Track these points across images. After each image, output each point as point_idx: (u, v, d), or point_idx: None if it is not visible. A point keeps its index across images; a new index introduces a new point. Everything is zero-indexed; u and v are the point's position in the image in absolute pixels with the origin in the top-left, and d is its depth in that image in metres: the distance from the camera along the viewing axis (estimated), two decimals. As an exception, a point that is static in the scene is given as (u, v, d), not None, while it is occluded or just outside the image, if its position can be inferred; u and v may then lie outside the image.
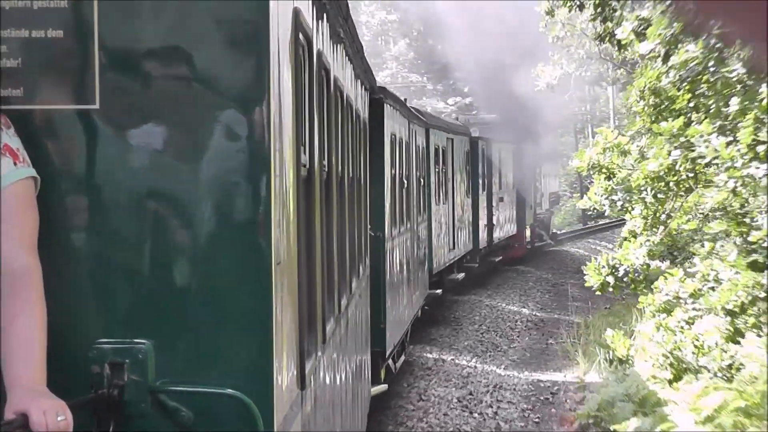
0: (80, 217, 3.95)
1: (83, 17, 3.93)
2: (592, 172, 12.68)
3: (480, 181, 28.67)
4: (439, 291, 21.72)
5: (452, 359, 20.05)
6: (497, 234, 31.28)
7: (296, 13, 4.93)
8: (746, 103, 10.35)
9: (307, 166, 5.63)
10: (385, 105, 14.24)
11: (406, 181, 16.65)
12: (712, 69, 11.10)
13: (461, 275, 25.64)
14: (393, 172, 15.14)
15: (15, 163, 3.68)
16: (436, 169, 21.62)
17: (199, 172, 3.94)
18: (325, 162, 6.76)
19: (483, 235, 29.06)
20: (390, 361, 15.18)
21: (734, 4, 1.55)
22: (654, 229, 12.44)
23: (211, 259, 3.94)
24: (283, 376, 4.28)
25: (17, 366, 3.45)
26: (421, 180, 19.35)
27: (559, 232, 47.64)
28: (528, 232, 37.58)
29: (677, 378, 12.09)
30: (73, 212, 3.94)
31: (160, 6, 3.97)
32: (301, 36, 5.09)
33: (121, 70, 3.96)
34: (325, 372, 6.42)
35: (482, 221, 28.90)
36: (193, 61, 3.97)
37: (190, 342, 3.92)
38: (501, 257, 33.07)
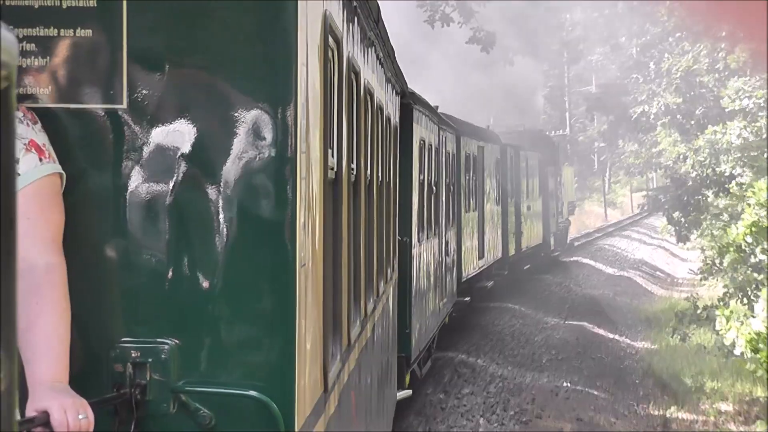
0: (106, 216, 3.95)
1: (112, 17, 3.94)
2: None
3: (509, 189, 28.60)
4: (467, 298, 21.67)
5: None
6: (525, 242, 31.15)
7: (326, 16, 4.93)
8: None
9: (335, 168, 5.62)
10: (414, 110, 14.22)
11: (435, 187, 16.63)
12: None
13: (490, 283, 25.56)
14: (422, 177, 15.12)
15: (40, 159, 3.68)
16: (467, 177, 21.57)
17: (225, 173, 3.94)
18: (354, 165, 6.75)
19: (512, 243, 28.97)
20: (416, 367, 15.15)
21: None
22: None
23: (235, 260, 3.93)
24: (306, 378, 4.27)
25: (40, 363, 3.45)
26: (451, 187, 19.31)
27: (576, 237, 47.15)
28: (552, 241, 37.42)
29: None
30: (98, 211, 3.94)
31: (189, 7, 3.97)
32: (330, 38, 5.08)
33: (149, 70, 3.97)
34: (350, 375, 6.41)
35: (511, 229, 28.80)
36: (221, 63, 3.97)
37: (213, 342, 3.92)
38: (529, 265, 32.94)
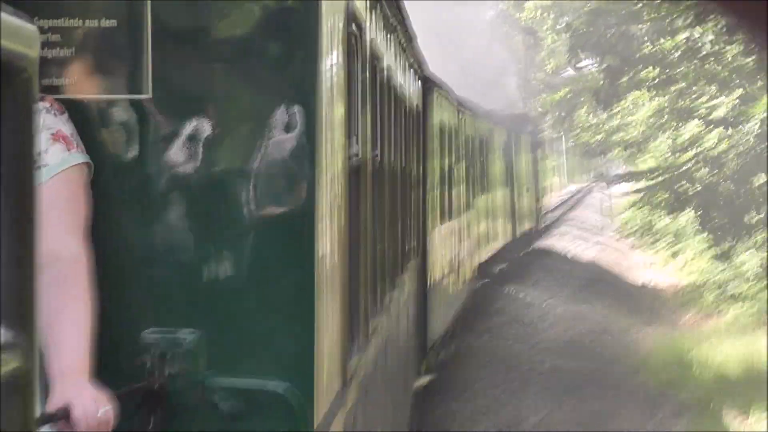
0: (129, 206, 3.95)
1: (136, 7, 3.94)
2: None
3: (513, 172, 28.69)
4: (486, 280, 21.78)
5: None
6: (526, 225, 31.25)
7: (348, 2, 4.91)
8: None
9: (359, 155, 5.61)
10: (434, 94, 14.18)
11: (454, 171, 16.62)
12: None
13: (504, 265, 25.65)
14: (441, 161, 15.10)
15: (68, 149, 3.67)
16: (480, 159, 21.62)
17: (248, 162, 3.93)
18: (377, 152, 6.73)
19: (516, 226, 29.06)
20: (437, 352, 15.16)
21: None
22: None
23: (259, 250, 3.93)
24: (326, 369, 4.27)
25: (64, 356, 3.44)
26: (470, 169, 19.32)
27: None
28: (539, 225, 37.32)
29: None
30: (122, 201, 3.95)
31: None
32: (353, 25, 5.06)
33: (174, 60, 3.96)
34: (370, 365, 6.40)
35: (516, 212, 28.89)
36: (245, 51, 3.97)
37: (236, 334, 3.92)
38: (529, 248, 33.03)
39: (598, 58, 25.37)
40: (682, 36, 21.11)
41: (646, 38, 23.25)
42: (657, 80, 23.20)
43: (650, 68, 22.93)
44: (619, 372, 17.90)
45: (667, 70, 22.69)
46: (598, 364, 18.38)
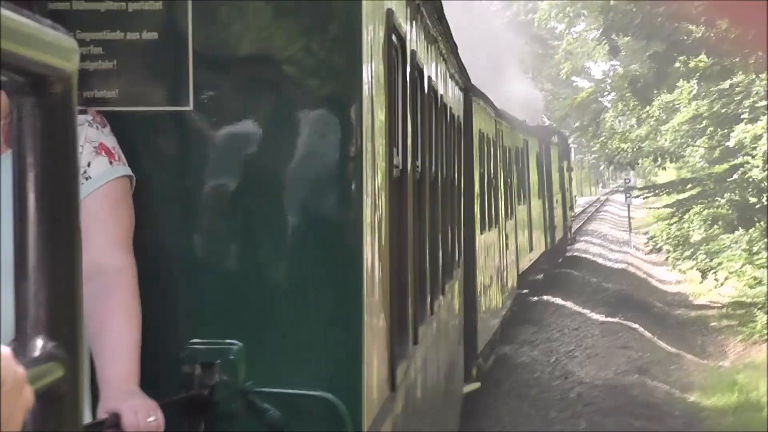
0: (173, 217, 3.97)
1: (177, 19, 3.96)
2: None
3: (545, 183, 28.72)
4: (525, 290, 21.86)
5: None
6: (557, 235, 31.28)
7: (389, 14, 4.92)
8: None
9: (400, 167, 5.61)
10: (474, 104, 14.19)
11: (494, 181, 16.64)
12: None
13: (540, 276, 25.74)
14: (482, 170, 15.12)
15: (110, 162, 3.71)
16: (517, 169, 21.70)
17: (290, 174, 3.94)
18: (419, 163, 6.73)
19: (549, 236, 29.08)
20: (481, 360, 15.15)
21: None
22: None
23: (302, 260, 3.94)
24: (374, 377, 4.27)
25: (111, 365, 3.47)
26: (508, 180, 19.36)
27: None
28: (569, 234, 37.22)
29: None
30: (165, 212, 3.97)
31: (253, 8, 3.98)
32: (394, 37, 5.07)
33: (215, 71, 3.98)
34: (417, 372, 6.40)
35: (548, 223, 28.91)
36: (286, 63, 3.98)
37: (281, 343, 3.92)
38: (561, 259, 32.96)
39: (643, 42, 21.16)
40: None
41: (703, 18, 18.58)
42: (709, 72, 19.78)
43: (702, 56, 19.29)
44: (681, 419, 14.97)
45: (723, 59, 18.89)
46: (651, 402, 15.72)
